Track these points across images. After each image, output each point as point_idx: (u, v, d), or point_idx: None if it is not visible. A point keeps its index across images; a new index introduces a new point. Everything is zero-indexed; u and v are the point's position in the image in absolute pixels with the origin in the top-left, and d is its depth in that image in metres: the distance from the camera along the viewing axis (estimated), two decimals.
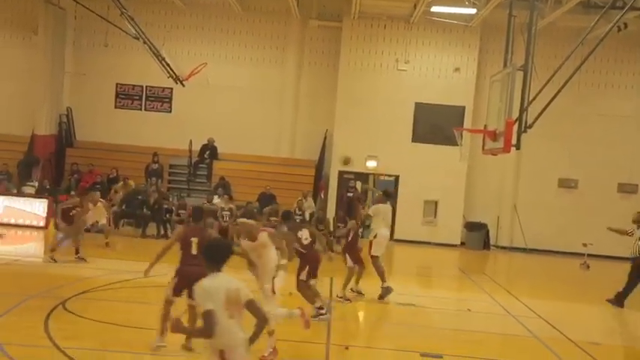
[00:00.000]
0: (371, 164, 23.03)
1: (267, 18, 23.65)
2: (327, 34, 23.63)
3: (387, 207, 13.10)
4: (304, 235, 10.37)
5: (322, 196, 22.85)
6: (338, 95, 23.00)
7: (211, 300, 4.97)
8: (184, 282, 7.87)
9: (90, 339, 8.75)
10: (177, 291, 8.18)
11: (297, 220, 16.01)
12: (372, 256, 12.66)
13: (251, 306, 5.12)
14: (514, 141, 13.27)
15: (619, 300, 13.89)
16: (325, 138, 23.29)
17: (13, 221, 19.11)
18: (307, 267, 10.30)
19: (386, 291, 12.42)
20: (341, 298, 12.03)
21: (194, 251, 8.09)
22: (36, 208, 19.43)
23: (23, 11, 23.17)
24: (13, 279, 12.41)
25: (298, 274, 10.29)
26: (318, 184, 22.92)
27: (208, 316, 4.94)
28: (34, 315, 9.39)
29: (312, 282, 10.38)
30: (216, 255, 5.19)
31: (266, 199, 21.07)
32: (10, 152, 22.03)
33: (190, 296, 7.59)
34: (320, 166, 23.28)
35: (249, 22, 23.72)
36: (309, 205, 20.77)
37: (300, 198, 20.20)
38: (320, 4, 23.58)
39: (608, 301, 13.96)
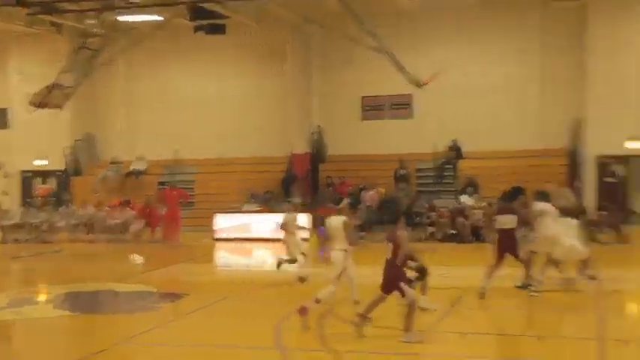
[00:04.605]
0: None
1: (506, 6, 23.16)
2: (567, 15, 22.51)
3: None
4: None
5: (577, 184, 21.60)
6: (590, 79, 21.82)
7: None
8: None
9: None
10: None
11: None
12: None
13: None
14: None
15: None
16: (576, 124, 22.12)
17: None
18: None
19: None
20: None
21: None
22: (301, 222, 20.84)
23: (272, 43, 25.05)
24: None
25: None
26: (574, 173, 21.81)
27: None
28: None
29: None
30: None
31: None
32: (273, 173, 24.12)
33: None
34: (573, 154, 22.18)
35: (489, 17, 23.33)
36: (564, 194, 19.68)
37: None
38: None
39: None
